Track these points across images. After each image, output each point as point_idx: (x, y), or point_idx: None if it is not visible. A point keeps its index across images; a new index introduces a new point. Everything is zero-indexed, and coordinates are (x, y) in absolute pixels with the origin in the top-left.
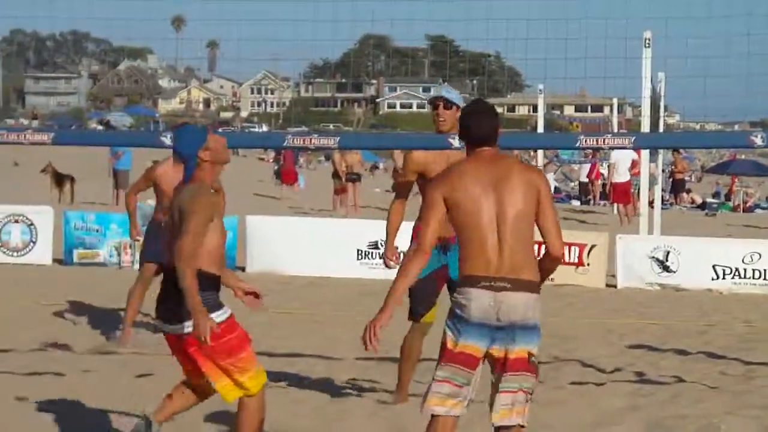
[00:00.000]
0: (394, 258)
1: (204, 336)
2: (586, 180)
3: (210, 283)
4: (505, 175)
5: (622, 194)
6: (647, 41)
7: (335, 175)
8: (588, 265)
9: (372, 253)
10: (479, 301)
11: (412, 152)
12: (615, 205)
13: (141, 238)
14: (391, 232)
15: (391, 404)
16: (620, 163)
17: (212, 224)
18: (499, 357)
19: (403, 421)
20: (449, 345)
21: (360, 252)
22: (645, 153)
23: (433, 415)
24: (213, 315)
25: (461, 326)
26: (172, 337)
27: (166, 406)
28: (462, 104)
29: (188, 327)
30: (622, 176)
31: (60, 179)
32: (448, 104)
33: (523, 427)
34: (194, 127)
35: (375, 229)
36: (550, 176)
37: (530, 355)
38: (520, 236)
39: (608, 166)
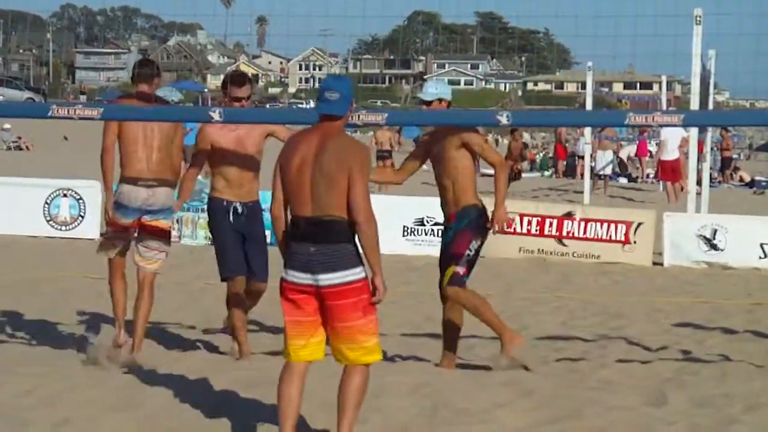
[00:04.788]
0: None
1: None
2: (626, 158)
3: (354, 236)
4: None
5: (671, 172)
6: (698, 18)
7: (380, 152)
8: (635, 242)
9: (418, 229)
10: None
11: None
12: (663, 182)
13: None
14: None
15: (432, 383)
16: (669, 141)
17: None
18: None
19: (445, 398)
20: None
21: (406, 228)
22: (693, 131)
23: None
24: (358, 269)
25: None
26: (312, 291)
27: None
28: (449, 98)
29: (346, 276)
30: (670, 154)
31: None
32: (441, 101)
33: None
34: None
35: (421, 206)
36: (608, 154)
37: None
38: None
39: (657, 144)
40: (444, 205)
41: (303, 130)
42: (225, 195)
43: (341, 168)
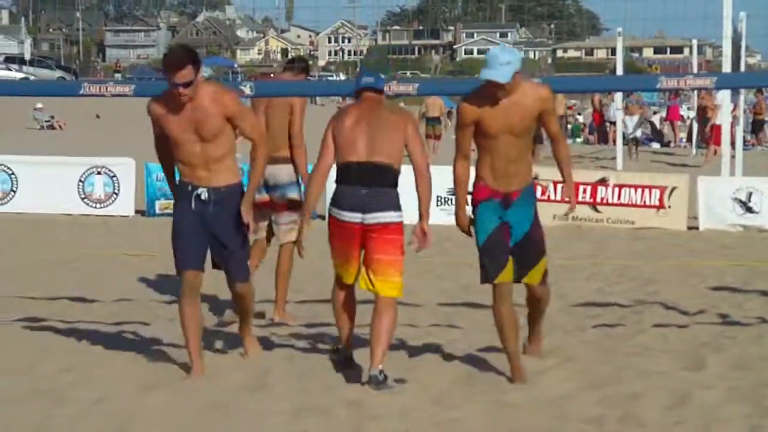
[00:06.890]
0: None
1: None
2: (657, 122)
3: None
4: None
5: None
6: None
7: (429, 119)
8: (669, 207)
9: (451, 199)
10: None
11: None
12: (710, 146)
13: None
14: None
15: (468, 351)
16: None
17: None
18: None
19: (482, 367)
20: None
21: (440, 198)
22: (726, 94)
23: None
24: (400, 213)
25: None
26: (359, 227)
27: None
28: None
29: (391, 217)
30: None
31: None
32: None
33: None
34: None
35: None
36: (635, 118)
37: None
38: None
39: (690, 108)
40: (500, 178)
41: (351, 104)
42: (188, 178)
43: (401, 123)
